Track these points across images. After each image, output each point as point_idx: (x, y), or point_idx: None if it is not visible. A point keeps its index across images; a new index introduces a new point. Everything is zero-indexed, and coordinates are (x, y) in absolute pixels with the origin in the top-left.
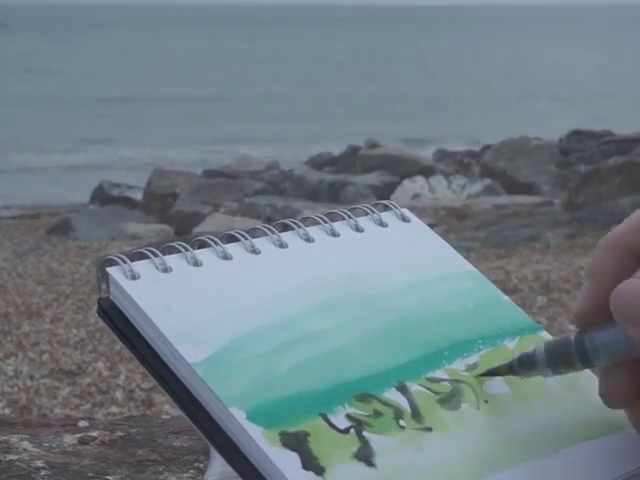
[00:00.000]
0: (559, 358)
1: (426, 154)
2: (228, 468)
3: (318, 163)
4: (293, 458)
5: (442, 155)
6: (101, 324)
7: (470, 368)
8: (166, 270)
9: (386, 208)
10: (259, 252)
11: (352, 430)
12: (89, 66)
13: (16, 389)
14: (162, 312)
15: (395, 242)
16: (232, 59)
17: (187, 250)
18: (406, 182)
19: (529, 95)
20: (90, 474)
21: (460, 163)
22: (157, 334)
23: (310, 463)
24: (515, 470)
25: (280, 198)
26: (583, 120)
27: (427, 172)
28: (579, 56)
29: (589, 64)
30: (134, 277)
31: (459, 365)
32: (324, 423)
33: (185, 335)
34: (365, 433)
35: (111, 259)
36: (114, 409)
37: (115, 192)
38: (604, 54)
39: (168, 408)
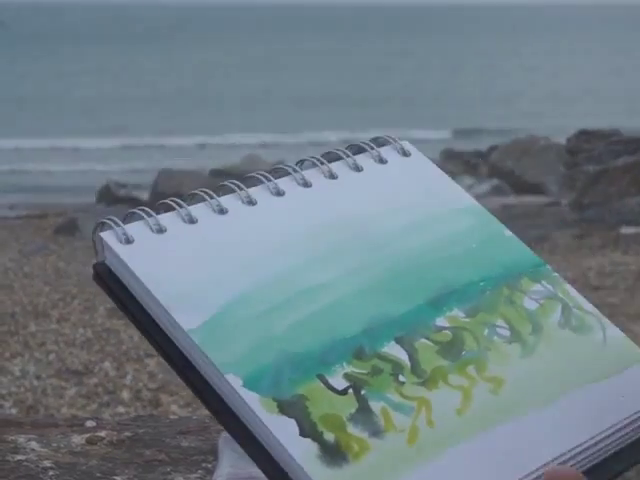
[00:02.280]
0: None
1: (433, 154)
2: (236, 470)
3: None
4: (291, 425)
5: (449, 155)
6: (107, 324)
7: (471, 313)
8: (160, 231)
9: (386, 142)
10: (255, 203)
11: (350, 390)
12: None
13: (23, 389)
14: (157, 277)
15: (395, 180)
16: (232, 60)
17: (181, 207)
18: None
19: (534, 94)
20: (98, 474)
21: (467, 163)
22: (152, 300)
23: (308, 429)
24: (520, 419)
25: None
26: (591, 120)
27: None
28: (587, 55)
29: (597, 63)
30: (128, 241)
31: (459, 311)
32: (322, 385)
33: (180, 301)
34: (363, 392)
35: (104, 222)
36: (121, 409)
37: (122, 192)
38: (612, 53)
39: (175, 408)
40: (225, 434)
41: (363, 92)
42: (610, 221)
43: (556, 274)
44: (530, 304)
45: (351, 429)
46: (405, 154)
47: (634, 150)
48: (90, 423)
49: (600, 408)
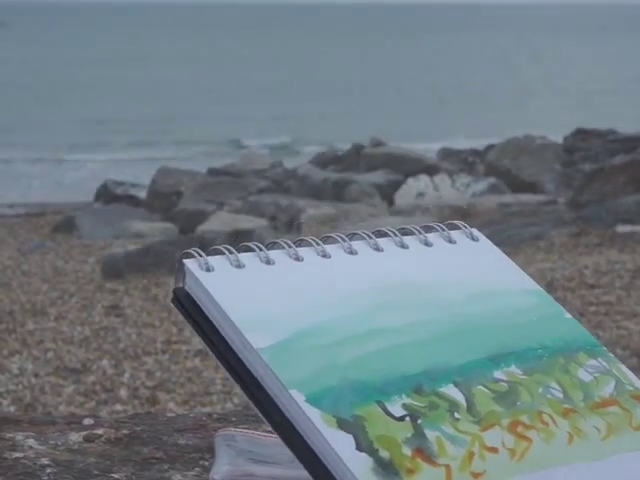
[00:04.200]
0: None
1: (430, 153)
2: (233, 467)
3: (322, 161)
4: (348, 440)
5: (446, 154)
6: (105, 322)
7: (528, 372)
8: (239, 266)
9: (456, 227)
10: (329, 256)
11: (407, 418)
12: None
13: (21, 387)
14: (233, 303)
15: (462, 257)
16: (225, 58)
17: (260, 250)
18: (410, 180)
19: (534, 94)
20: (95, 472)
21: (464, 162)
22: (227, 323)
23: (364, 445)
24: (568, 467)
25: (284, 196)
26: (588, 119)
27: (431, 171)
28: (585, 54)
29: (595, 62)
30: (209, 269)
31: (517, 369)
32: (380, 410)
33: (253, 324)
34: (420, 421)
35: (188, 252)
36: (118, 407)
37: (119, 190)
38: (610, 52)
39: (172, 406)
40: (222, 432)
41: (364, 90)
42: (606, 219)
43: (611, 355)
44: (584, 375)
45: (406, 450)
46: (474, 239)
47: (630, 149)
48: (88, 421)
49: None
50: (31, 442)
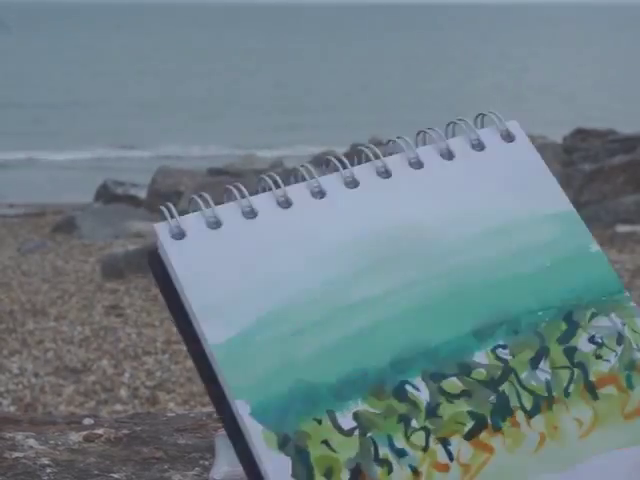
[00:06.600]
0: None
1: None
2: (233, 467)
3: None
4: (285, 463)
5: None
6: (105, 322)
7: (516, 348)
8: (216, 225)
9: (490, 122)
10: (324, 194)
11: (356, 432)
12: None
13: (21, 387)
14: (195, 281)
15: (486, 176)
16: (221, 56)
17: (243, 197)
18: None
19: (533, 93)
20: (95, 472)
21: None
22: (189, 306)
23: (299, 471)
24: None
25: None
26: (587, 119)
27: None
28: (585, 55)
29: (595, 62)
30: (180, 235)
31: (504, 346)
32: (328, 423)
33: (212, 312)
34: (370, 434)
35: (162, 209)
36: (118, 407)
37: (119, 190)
38: (611, 53)
39: (173, 406)
40: (223, 432)
41: (364, 90)
42: (606, 219)
43: (633, 304)
44: (585, 346)
45: (344, 476)
46: (509, 138)
47: (630, 149)
48: (88, 421)
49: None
50: (31, 442)
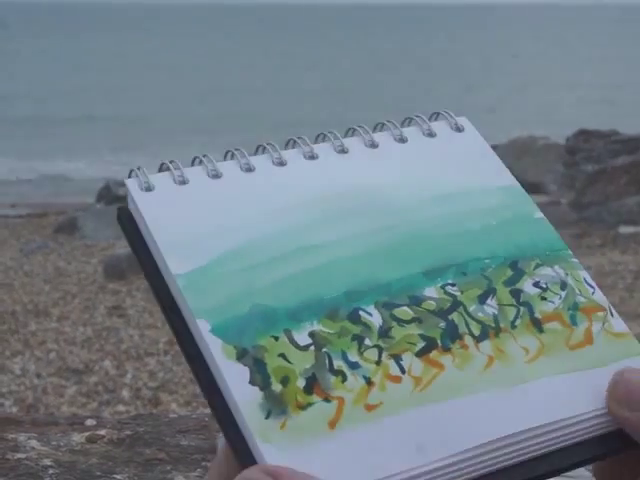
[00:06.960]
0: None
1: None
2: None
3: None
4: (243, 372)
5: None
6: (107, 323)
7: (464, 287)
8: (183, 182)
9: (441, 117)
10: (285, 164)
11: (312, 347)
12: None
13: (23, 387)
14: (162, 225)
15: (436, 155)
16: (218, 58)
17: (209, 161)
18: None
19: (535, 93)
20: (98, 473)
21: None
22: (155, 245)
23: (257, 379)
24: (473, 397)
25: None
26: (590, 119)
27: None
28: (588, 55)
29: (597, 62)
30: (149, 189)
31: (452, 284)
32: (285, 339)
33: (177, 248)
34: (324, 350)
35: (134, 170)
36: (121, 407)
37: (121, 191)
38: (613, 53)
39: (175, 407)
40: None
41: (364, 90)
42: (609, 220)
43: (575, 260)
44: (530, 289)
45: (300, 382)
46: (458, 129)
47: (633, 150)
48: (90, 422)
49: (570, 399)
50: (33, 443)
